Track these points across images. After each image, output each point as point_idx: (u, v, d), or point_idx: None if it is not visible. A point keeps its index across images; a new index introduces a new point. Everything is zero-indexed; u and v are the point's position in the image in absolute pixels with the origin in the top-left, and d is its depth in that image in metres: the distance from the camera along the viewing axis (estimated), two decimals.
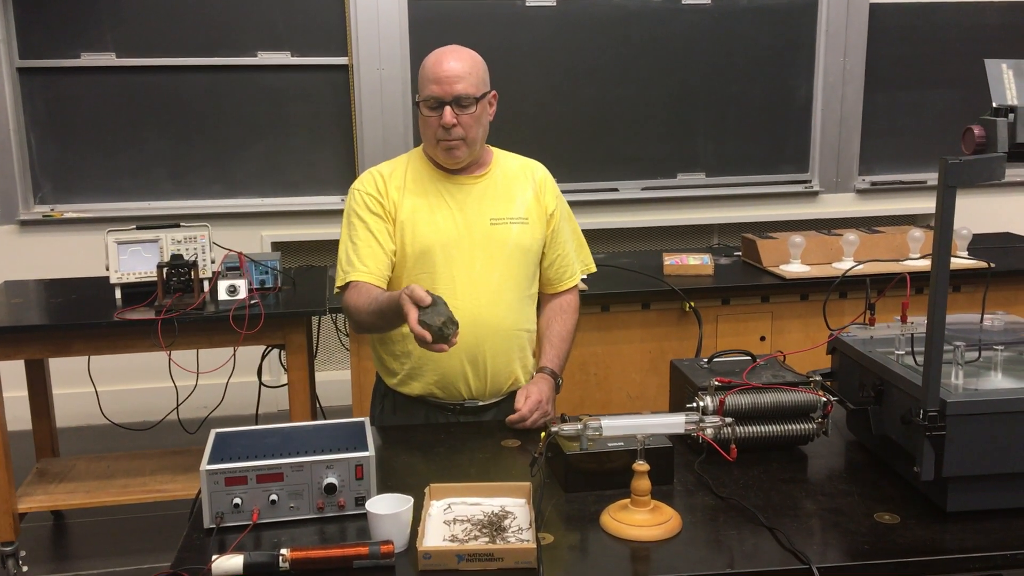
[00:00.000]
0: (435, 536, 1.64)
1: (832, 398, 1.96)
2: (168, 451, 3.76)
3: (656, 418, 1.70)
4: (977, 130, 1.67)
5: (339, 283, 2.24)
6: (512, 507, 1.74)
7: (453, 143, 2.17)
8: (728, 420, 1.71)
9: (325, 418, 3.85)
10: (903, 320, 2.03)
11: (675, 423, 1.69)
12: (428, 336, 1.83)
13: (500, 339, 2.25)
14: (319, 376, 4.03)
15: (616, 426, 1.68)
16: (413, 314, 1.84)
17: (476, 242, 2.23)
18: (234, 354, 3.36)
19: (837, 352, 2.08)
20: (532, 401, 2.16)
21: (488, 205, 2.26)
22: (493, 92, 2.23)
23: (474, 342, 2.20)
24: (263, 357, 3.70)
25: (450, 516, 1.72)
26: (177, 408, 3.78)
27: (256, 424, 3.84)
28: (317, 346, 3.76)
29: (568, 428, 1.68)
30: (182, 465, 3.61)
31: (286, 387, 3.34)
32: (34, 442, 3.73)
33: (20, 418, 3.77)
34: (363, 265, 2.20)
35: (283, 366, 3.34)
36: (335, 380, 4.68)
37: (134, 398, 4.50)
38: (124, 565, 3.42)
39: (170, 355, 3.18)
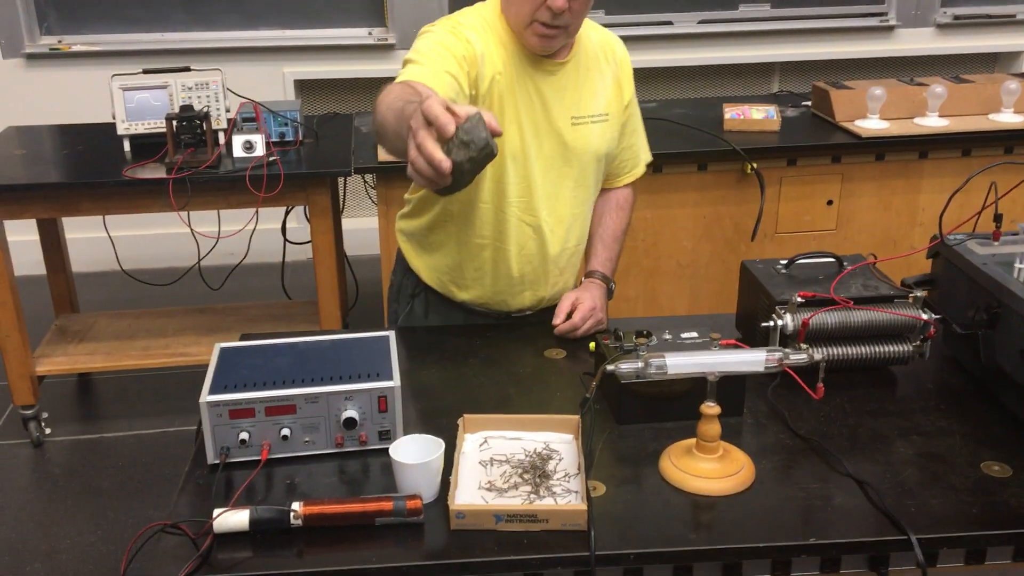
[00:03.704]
0: (469, 484, 1.42)
1: (935, 317, 1.68)
2: (191, 309, 3.58)
3: (731, 355, 1.43)
4: None
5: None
6: (557, 444, 1.52)
7: (554, 32, 1.72)
8: (818, 357, 1.44)
9: (354, 275, 3.65)
10: None
11: (754, 360, 1.42)
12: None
13: (565, 258, 1.96)
14: (346, 224, 3.77)
15: (683, 364, 1.41)
16: (428, 144, 1.19)
17: (554, 147, 1.84)
18: (256, 214, 3.10)
19: (941, 258, 1.78)
20: (585, 308, 1.87)
21: (569, 99, 1.84)
22: None
23: (540, 262, 1.92)
24: (286, 214, 3.45)
25: (487, 455, 1.50)
26: (199, 263, 3.57)
27: (283, 279, 3.62)
28: (344, 201, 3.49)
29: (626, 366, 1.41)
30: (205, 325, 3.44)
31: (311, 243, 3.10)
32: (51, 296, 3.55)
33: (35, 262, 3.56)
34: (420, 71, 1.64)
35: (307, 218, 3.08)
36: (363, 228, 4.41)
37: (153, 245, 4.30)
38: (150, 428, 3.30)
39: (188, 217, 2.94)
